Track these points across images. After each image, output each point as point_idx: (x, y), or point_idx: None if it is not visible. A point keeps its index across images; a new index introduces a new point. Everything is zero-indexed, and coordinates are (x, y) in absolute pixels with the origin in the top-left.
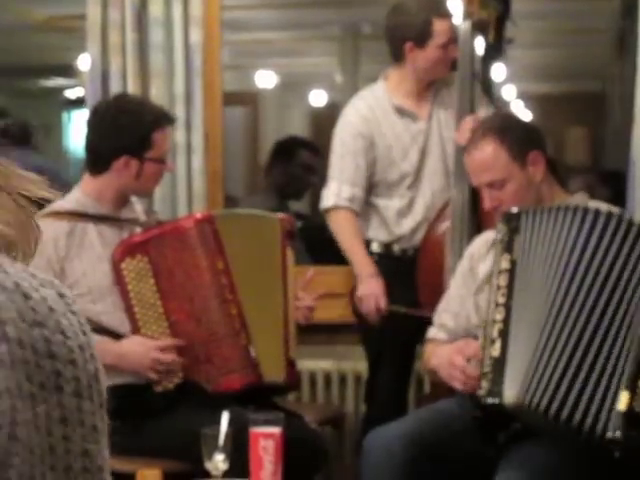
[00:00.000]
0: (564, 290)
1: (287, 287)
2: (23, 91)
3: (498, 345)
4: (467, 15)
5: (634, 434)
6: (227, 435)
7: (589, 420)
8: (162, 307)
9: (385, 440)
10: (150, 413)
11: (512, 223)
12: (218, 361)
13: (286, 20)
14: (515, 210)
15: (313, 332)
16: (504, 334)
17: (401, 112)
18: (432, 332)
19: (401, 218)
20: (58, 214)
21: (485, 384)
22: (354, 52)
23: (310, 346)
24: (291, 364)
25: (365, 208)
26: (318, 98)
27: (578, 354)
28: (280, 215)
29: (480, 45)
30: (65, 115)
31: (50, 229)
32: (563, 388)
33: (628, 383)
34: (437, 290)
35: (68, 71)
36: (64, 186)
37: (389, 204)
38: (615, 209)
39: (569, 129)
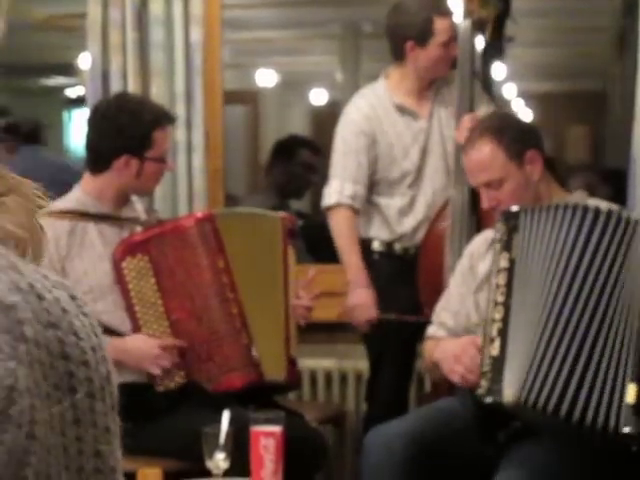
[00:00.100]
0: (563, 288)
1: (288, 286)
2: (23, 90)
3: (497, 344)
4: (467, 13)
5: None
6: (228, 434)
7: (592, 416)
8: (163, 306)
9: (386, 438)
10: (151, 412)
11: (511, 222)
12: (219, 360)
13: (286, 19)
14: (514, 209)
15: (314, 331)
16: (503, 333)
17: (402, 110)
18: (431, 330)
19: (402, 217)
20: (59, 213)
21: (484, 383)
22: (355, 51)
23: (311, 345)
24: (292, 363)
25: (367, 207)
26: (319, 97)
27: (577, 352)
28: (281, 214)
29: (480, 43)
30: (65, 114)
31: (51, 228)
32: (568, 386)
33: (634, 376)
34: (438, 289)
35: (69, 70)
36: (77, 178)
37: (390, 203)
38: (614, 206)
39: (570, 128)
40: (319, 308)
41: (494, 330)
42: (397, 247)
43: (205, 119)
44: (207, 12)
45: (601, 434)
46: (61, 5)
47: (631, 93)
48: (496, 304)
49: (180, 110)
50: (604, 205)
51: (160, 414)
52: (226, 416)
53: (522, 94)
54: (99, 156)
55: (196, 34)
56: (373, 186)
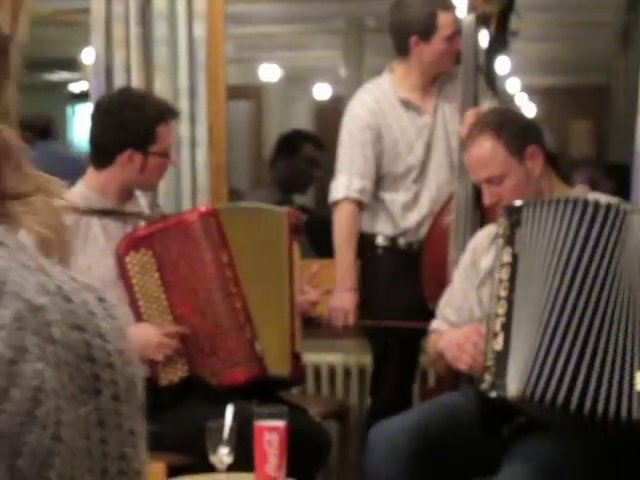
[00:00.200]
0: (565, 282)
1: (293, 281)
2: (27, 85)
3: (501, 339)
4: (471, 8)
5: None
6: (231, 429)
7: (603, 406)
8: (166, 300)
9: (389, 433)
10: (155, 407)
11: (513, 216)
12: (223, 354)
13: (290, 13)
14: (517, 203)
15: (318, 325)
16: (506, 327)
17: (407, 105)
18: (435, 324)
19: (407, 212)
20: (62, 208)
21: (488, 378)
22: (358, 45)
23: (315, 339)
24: (296, 358)
25: (371, 202)
26: (322, 91)
27: (583, 345)
28: (287, 209)
29: (484, 38)
30: (69, 109)
31: None
32: (576, 379)
33: None
34: (442, 283)
35: (72, 65)
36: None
37: (395, 197)
38: (613, 200)
39: (573, 122)
40: (322, 303)
41: (497, 325)
42: (401, 242)
43: (209, 114)
44: (210, 7)
45: (613, 424)
46: (65, 0)
47: (635, 87)
48: (499, 299)
49: (184, 105)
50: (604, 199)
51: (163, 409)
52: (230, 411)
53: (526, 88)
54: (103, 151)
55: (199, 29)
56: (378, 181)
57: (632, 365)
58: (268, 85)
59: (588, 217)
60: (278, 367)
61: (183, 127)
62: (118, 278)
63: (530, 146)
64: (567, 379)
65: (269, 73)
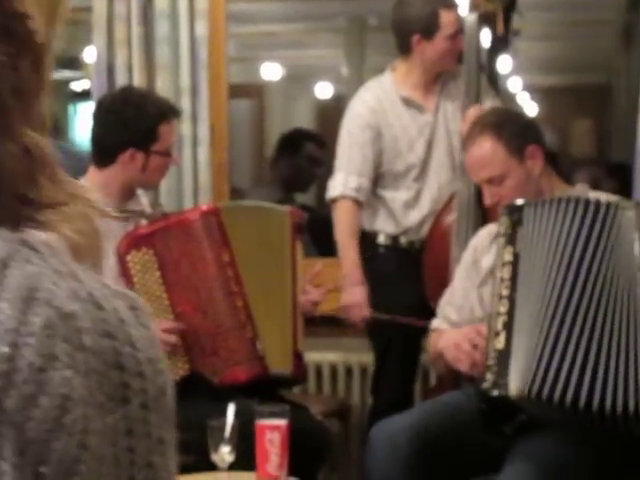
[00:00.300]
0: (568, 281)
1: (296, 281)
2: None
3: (502, 338)
4: (473, 7)
5: None
6: (233, 427)
7: (610, 402)
8: (168, 299)
9: (390, 432)
10: None
11: (515, 216)
12: (224, 353)
13: (292, 12)
14: (518, 202)
15: (319, 324)
16: (508, 326)
17: (408, 104)
18: (436, 323)
19: (408, 210)
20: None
21: (490, 376)
22: (360, 44)
23: (316, 338)
24: (298, 357)
25: (372, 200)
26: (324, 90)
27: (588, 343)
28: (289, 208)
29: (486, 37)
30: (71, 108)
31: None
32: (583, 377)
33: None
34: (444, 282)
35: (74, 63)
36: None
37: (396, 196)
38: (613, 198)
39: (575, 121)
40: (324, 301)
41: (499, 324)
42: (403, 240)
43: (210, 113)
44: (212, 6)
45: (622, 418)
46: None
47: (636, 86)
48: (501, 298)
49: (185, 104)
50: (604, 197)
51: None
52: (231, 409)
53: (527, 88)
54: (104, 150)
55: (201, 28)
56: (378, 179)
57: (636, 360)
58: (270, 84)
59: (589, 216)
60: (280, 366)
61: (185, 126)
62: (119, 277)
63: (530, 146)
64: (572, 376)
65: (271, 72)
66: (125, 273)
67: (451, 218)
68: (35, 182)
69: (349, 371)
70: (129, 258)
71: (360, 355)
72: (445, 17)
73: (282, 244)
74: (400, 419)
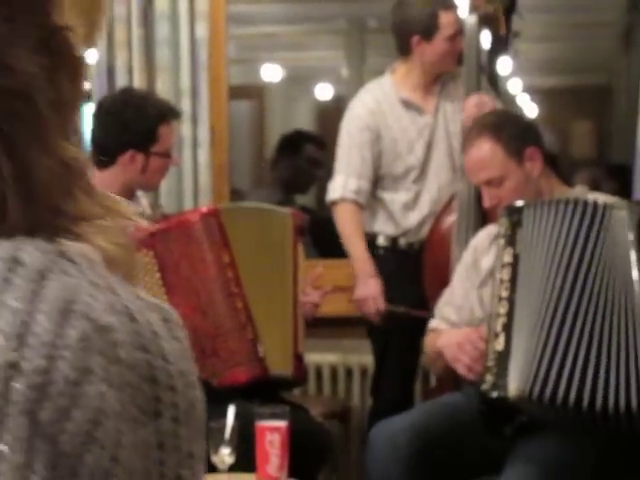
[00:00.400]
0: (567, 282)
1: (297, 283)
2: None
3: (502, 339)
4: (473, 9)
5: None
6: (233, 429)
7: (613, 401)
8: (168, 301)
9: (390, 433)
10: None
11: (515, 217)
12: (224, 355)
13: (292, 14)
14: (518, 204)
15: (319, 325)
16: (508, 328)
17: (408, 105)
18: (434, 323)
19: (407, 211)
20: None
21: (489, 378)
22: (360, 46)
23: (316, 339)
24: (299, 359)
25: (371, 202)
26: (324, 92)
27: (588, 343)
28: (291, 210)
29: (486, 39)
30: None
31: None
32: (585, 377)
33: None
34: (444, 283)
35: None
36: None
37: (395, 197)
38: (609, 199)
39: (575, 122)
40: (325, 303)
41: (498, 325)
42: (402, 242)
43: (210, 114)
44: (212, 7)
45: (626, 417)
46: None
47: (636, 88)
48: (500, 299)
49: (185, 105)
50: (603, 199)
51: None
52: (231, 411)
53: (527, 89)
54: (104, 151)
55: (201, 30)
56: (378, 181)
57: (637, 359)
58: (270, 85)
59: (587, 217)
60: (280, 368)
61: (185, 127)
62: None
63: (529, 147)
64: (574, 376)
65: (271, 73)
66: None
67: (451, 219)
68: (71, 195)
69: (349, 372)
70: None
71: (360, 356)
72: (444, 18)
73: (283, 246)
74: (400, 420)
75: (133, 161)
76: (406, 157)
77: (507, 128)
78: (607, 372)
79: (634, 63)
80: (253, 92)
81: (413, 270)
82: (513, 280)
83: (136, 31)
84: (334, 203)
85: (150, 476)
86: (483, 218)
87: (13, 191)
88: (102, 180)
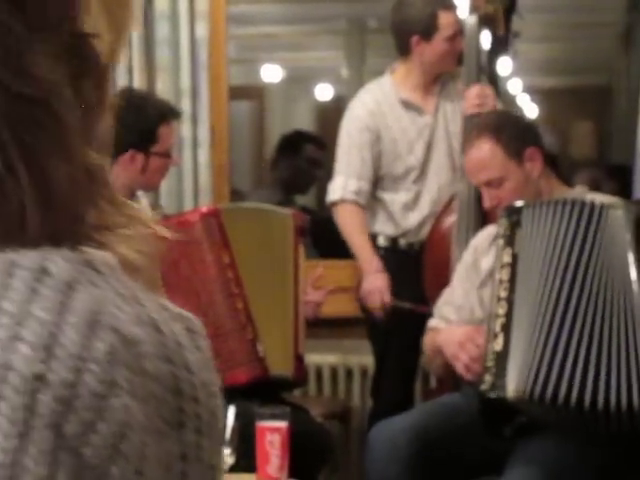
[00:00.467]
0: (566, 283)
1: (298, 283)
2: None
3: (501, 339)
4: (473, 9)
5: None
6: (233, 429)
7: (615, 400)
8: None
9: (390, 433)
10: None
11: (514, 217)
12: (224, 355)
13: (292, 14)
14: (517, 204)
15: (320, 326)
16: (506, 328)
17: (407, 106)
18: (433, 322)
19: (407, 212)
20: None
21: (488, 378)
22: (360, 46)
23: (316, 340)
24: (299, 360)
25: (371, 202)
26: (324, 92)
27: (588, 343)
28: (292, 211)
29: (486, 39)
30: None
31: None
32: (586, 377)
33: None
34: (444, 284)
35: None
36: None
37: (395, 198)
38: (606, 199)
39: (575, 123)
40: (325, 303)
41: (497, 325)
42: (402, 242)
43: (211, 114)
44: (212, 7)
45: (628, 416)
46: None
47: (636, 88)
48: (499, 299)
49: (186, 105)
50: (602, 199)
51: None
52: (231, 411)
53: (527, 89)
54: None
55: (201, 30)
56: (378, 181)
57: (637, 358)
58: (270, 85)
59: (584, 217)
60: (281, 368)
61: (185, 127)
62: None
63: (529, 148)
64: (575, 376)
65: (271, 73)
66: None
67: (451, 219)
68: (94, 203)
69: (349, 373)
70: None
71: (360, 357)
72: (444, 18)
73: (284, 246)
74: (400, 420)
75: (133, 161)
76: (406, 157)
77: (507, 129)
78: (608, 371)
79: (634, 63)
80: (253, 92)
81: (413, 270)
82: (512, 280)
83: (136, 31)
84: (334, 204)
85: None
86: (483, 218)
87: (32, 200)
88: None
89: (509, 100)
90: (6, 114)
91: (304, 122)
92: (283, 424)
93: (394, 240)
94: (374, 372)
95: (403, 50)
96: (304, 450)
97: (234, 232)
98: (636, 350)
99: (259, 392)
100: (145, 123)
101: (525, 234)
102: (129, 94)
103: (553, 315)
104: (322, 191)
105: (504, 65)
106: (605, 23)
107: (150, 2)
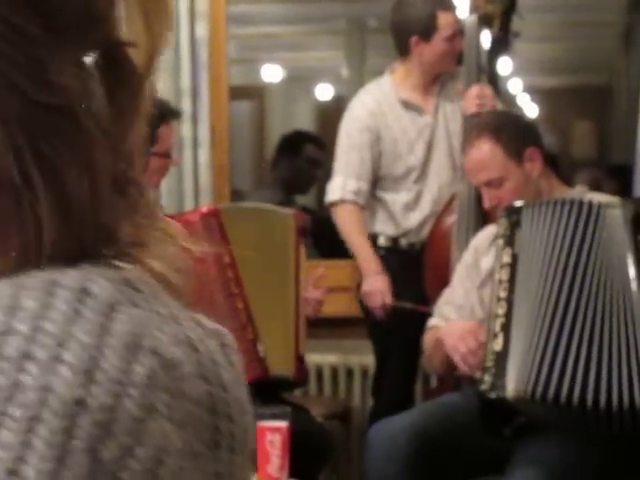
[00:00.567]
0: (565, 282)
1: (299, 284)
2: None
3: (500, 339)
4: (473, 9)
5: None
6: None
7: (617, 399)
8: None
9: (389, 432)
10: None
11: (513, 217)
12: None
13: (292, 14)
14: (517, 204)
15: (320, 326)
16: (506, 328)
17: (407, 106)
18: (433, 322)
19: (408, 212)
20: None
21: (488, 378)
22: (360, 46)
23: (317, 340)
24: (300, 360)
25: (372, 202)
26: (324, 92)
27: (589, 343)
28: (293, 211)
29: (486, 39)
30: None
31: None
32: (588, 376)
33: None
34: (445, 283)
35: None
36: None
37: (396, 198)
38: (603, 199)
39: (575, 123)
40: (325, 303)
41: (497, 325)
42: (403, 242)
43: (211, 114)
44: (213, 7)
45: (630, 415)
46: None
47: (637, 88)
48: (499, 299)
49: (186, 105)
50: (601, 198)
51: None
52: None
53: (528, 89)
54: None
55: (202, 29)
56: (378, 182)
57: (637, 357)
58: (270, 85)
59: (583, 217)
60: (282, 368)
61: (185, 127)
62: None
63: (529, 148)
64: (577, 376)
65: (271, 73)
66: None
67: (452, 219)
68: (127, 218)
69: (350, 373)
70: None
71: (361, 357)
72: (443, 19)
73: (285, 246)
74: (399, 419)
75: None
76: (406, 157)
77: (507, 129)
78: (609, 370)
79: (634, 63)
80: (253, 92)
81: (414, 270)
82: (512, 280)
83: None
84: (333, 204)
85: None
86: (483, 219)
87: (47, 211)
88: None
89: (509, 100)
90: (24, 121)
91: (304, 122)
92: (283, 424)
93: (395, 240)
94: (375, 372)
95: (402, 50)
96: (304, 450)
97: (234, 232)
98: (636, 348)
99: (260, 392)
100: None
101: (525, 234)
102: None
103: (553, 315)
104: (322, 191)
105: (504, 65)
106: (605, 23)
107: None
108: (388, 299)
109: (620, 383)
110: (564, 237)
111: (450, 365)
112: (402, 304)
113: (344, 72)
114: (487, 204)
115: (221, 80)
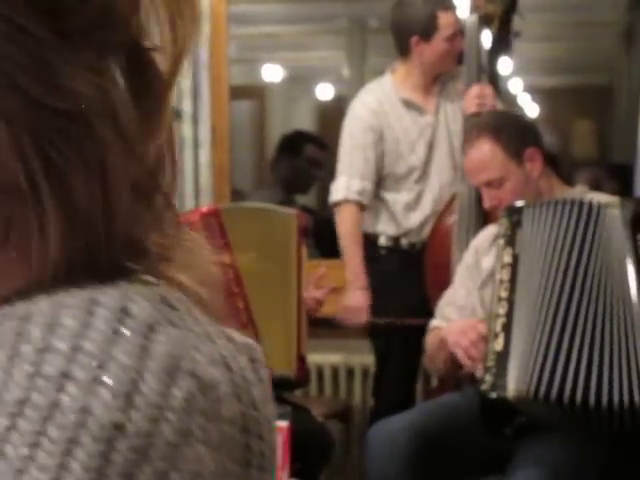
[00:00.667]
0: (566, 282)
1: (301, 283)
2: None
3: (501, 339)
4: (474, 8)
5: None
6: None
7: (618, 398)
8: None
9: (389, 432)
10: None
11: (514, 217)
12: None
13: (293, 14)
14: (518, 204)
15: (321, 325)
16: (507, 328)
17: (408, 105)
18: (435, 322)
19: (409, 212)
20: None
21: (489, 378)
22: (361, 46)
23: (318, 339)
24: (302, 360)
25: (373, 202)
26: (325, 92)
27: (591, 343)
28: (295, 211)
29: (487, 38)
30: None
31: None
32: (590, 375)
33: None
34: (445, 284)
35: None
36: None
37: (397, 198)
38: (603, 199)
39: (576, 122)
40: (326, 303)
41: (498, 325)
42: (404, 242)
43: (211, 114)
44: (213, 7)
45: (630, 414)
46: None
47: (637, 88)
48: (500, 299)
49: (187, 105)
50: (600, 198)
51: None
52: None
53: (528, 89)
54: None
55: (202, 29)
56: (380, 181)
57: (637, 356)
58: (271, 85)
59: (583, 217)
60: (283, 368)
61: (186, 127)
62: None
63: (529, 148)
64: (579, 376)
65: (272, 73)
66: None
67: (452, 219)
68: (153, 229)
69: (350, 373)
70: None
71: (361, 357)
72: (443, 19)
73: (286, 246)
74: (399, 419)
75: None
76: (408, 157)
77: (507, 129)
78: (610, 370)
79: (635, 63)
80: (254, 92)
81: (415, 270)
82: (512, 280)
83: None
84: (337, 204)
85: None
86: (484, 219)
87: (52, 218)
88: None
89: (510, 100)
90: (29, 123)
91: (305, 122)
92: (284, 424)
93: (396, 240)
94: (375, 371)
95: (403, 50)
96: (305, 450)
97: (235, 232)
98: (635, 348)
99: None
100: None
101: (526, 234)
102: None
103: (554, 315)
104: (323, 191)
105: (505, 64)
106: (606, 22)
107: None
108: (363, 318)
109: (621, 383)
110: (565, 237)
111: (453, 365)
112: (377, 320)
113: (345, 72)
114: (487, 204)
115: (222, 80)
